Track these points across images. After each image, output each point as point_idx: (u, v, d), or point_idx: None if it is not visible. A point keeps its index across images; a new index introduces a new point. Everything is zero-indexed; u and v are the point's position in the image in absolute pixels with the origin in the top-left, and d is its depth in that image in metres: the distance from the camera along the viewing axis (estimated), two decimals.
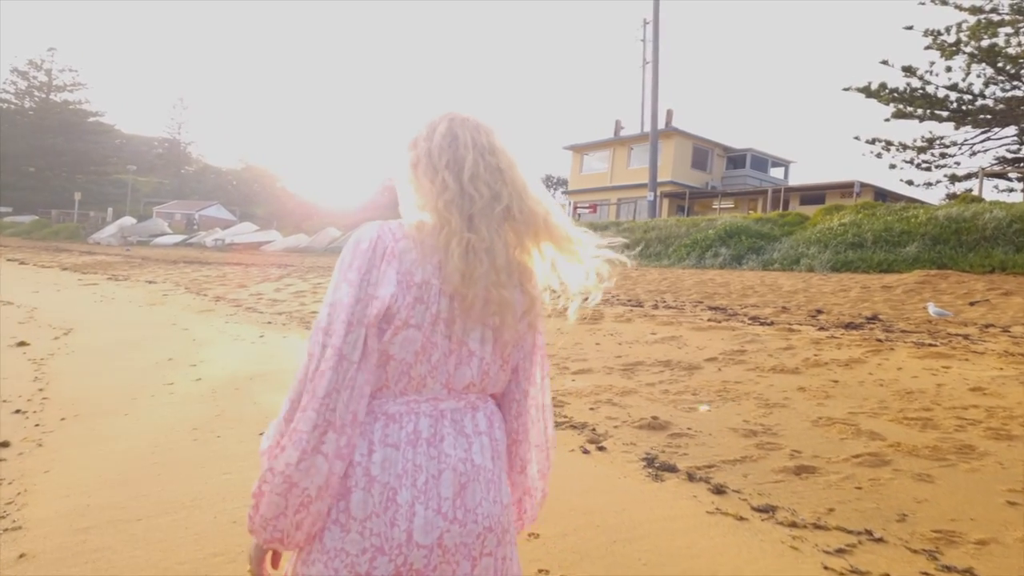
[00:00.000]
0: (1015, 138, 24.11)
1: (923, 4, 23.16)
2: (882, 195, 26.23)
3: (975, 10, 22.82)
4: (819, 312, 8.94)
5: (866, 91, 25.14)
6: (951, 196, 26.70)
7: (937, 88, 24.05)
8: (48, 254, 30.48)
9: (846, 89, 26.51)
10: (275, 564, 1.22)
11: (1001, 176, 24.87)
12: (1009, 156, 24.68)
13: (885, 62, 23.87)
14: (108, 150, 68.54)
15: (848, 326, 7.78)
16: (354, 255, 1.11)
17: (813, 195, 27.81)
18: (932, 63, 23.70)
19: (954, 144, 25.17)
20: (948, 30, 22.70)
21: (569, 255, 1.22)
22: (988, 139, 24.66)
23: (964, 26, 22.46)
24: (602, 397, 5.24)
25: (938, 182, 27.10)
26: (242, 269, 21.57)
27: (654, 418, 4.54)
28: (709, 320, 8.51)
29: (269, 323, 10.22)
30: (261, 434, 4.45)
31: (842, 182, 26.68)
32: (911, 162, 26.06)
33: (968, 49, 22.73)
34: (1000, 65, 22.27)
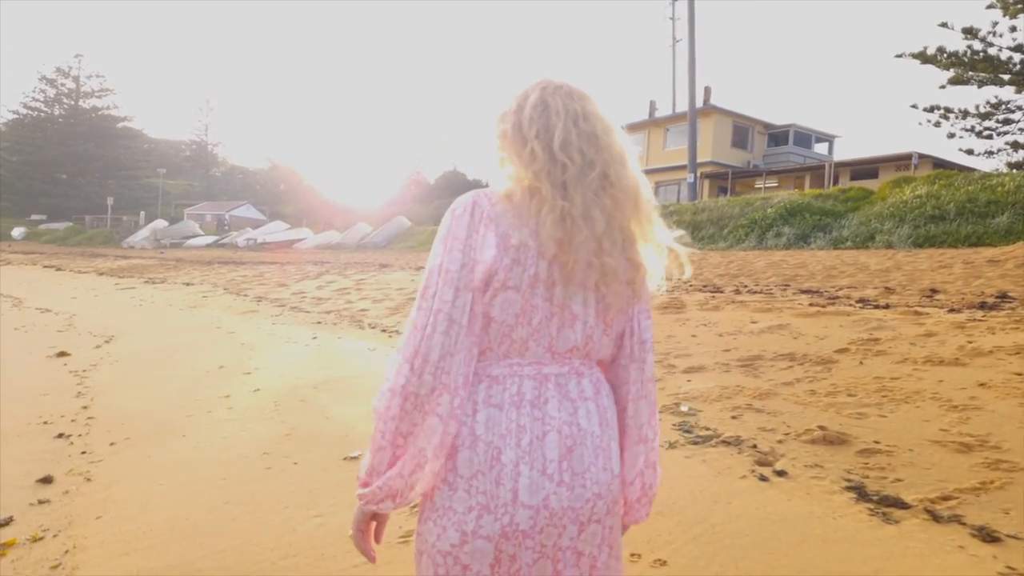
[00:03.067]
0: None
1: None
2: (940, 166, 24.73)
3: None
4: (934, 292, 7.96)
5: (922, 57, 23.70)
6: (1014, 165, 25.18)
7: (1000, 50, 22.54)
8: (84, 259, 30.43)
9: (899, 56, 25.07)
10: (378, 538, 1.18)
11: None
12: None
13: (944, 24, 22.41)
14: (138, 154, 68.82)
15: (982, 307, 6.81)
16: (451, 222, 1.11)
17: (865, 169, 26.40)
18: (995, 23, 22.20)
19: (1019, 109, 23.61)
20: None
21: (649, 233, 1.18)
22: None
23: None
24: (737, 402, 4.40)
25: (1000, 150, 25.46)
26: (279, 268, 21.06)
27: (822, 428, 3.69)
28: (811, 305, 7.59)
29: (319, 323, 9.54)
30: (351, 457, 3.55)
31: (898, 154, 25.23)
32: (972, 130, 24.56)
33: None
34: None
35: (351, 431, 4.32)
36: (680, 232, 1.24)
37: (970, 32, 22.34)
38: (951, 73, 23.21)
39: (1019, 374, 4.44)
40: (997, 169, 23.90)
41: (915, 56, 23.72)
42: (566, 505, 1.09)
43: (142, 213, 54.67)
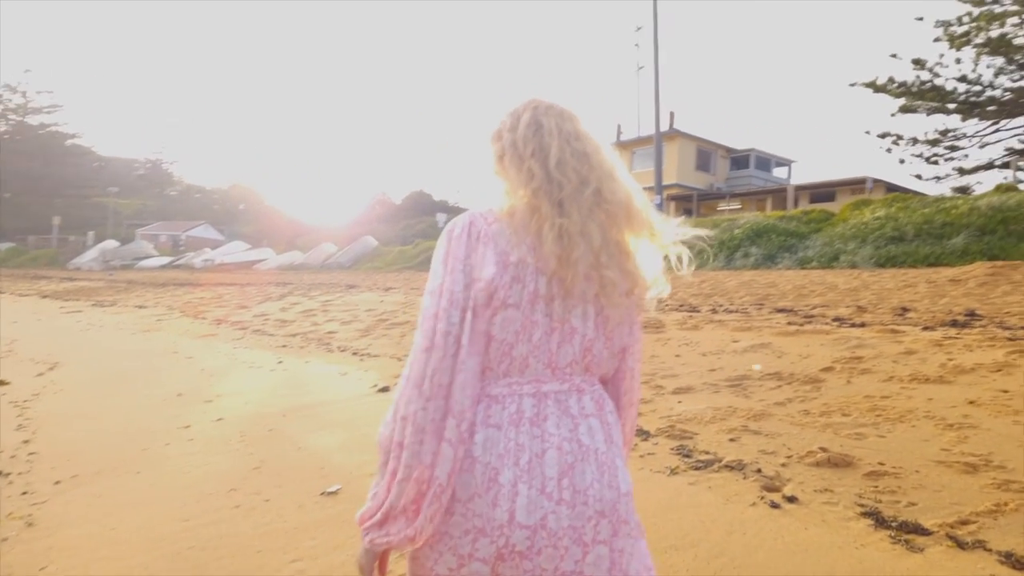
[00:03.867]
0: None
1: None
2: (893, 190, 25.54)
3: (978, 1, 22.35)
4: (905, 310, 8.03)
5: (873, 86, 24.64)
6: (958, 189, 26.15)
7: (947, 80, 23.54)
8: (26, 282, 29.11)
9: (852, 85, 26.08)
10: (382, 570, 1.16)
11: (1008, 167, 24.29)
12: (1020, 147, 24.13)
13: (895, 56, 23.41)
14: (87, 172, 66.71)
15: (954, 324, 6.86)
16: (449, 243, 1.12)
17: (823, 192, 27.12)
18: (942, 55, 23.29)
19: (964, 136, 24.62)
20: (959, 20, 22.20)
21: (650, 238, 1.19)
22: (998, 130, 24.13)
23: (973, 15, 21.97)
24: (733, 424, 4.26)
25: (947, 175, 26.48)
26: (238, 289, 20.43)
27: (823, 450, 3.56)
28: (789, 323, 7.57)
29: (284, 346, 9.15)
30: (329, 492, 3.25)
31: (853, 178, 25.99)
32: (921, 156, 25.50)
33: (978, 39, 22.23)
34: (1009, 55, 21.76)
35: (326, 463, 4.03)
36: (679, 220, 1.25)
37: (919, 63, 23.30)
38: (901, 101, 24.11)
39: (1005, 391, 4.41)
40: (942, 194, 24.83)
41: (867, 85, 24.62)
42: (566, 524, 1.05)
43: (90, 233, 52.84)
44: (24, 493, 3.67)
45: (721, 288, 11.98)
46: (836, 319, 7.68)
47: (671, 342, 7.15)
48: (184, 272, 35.30)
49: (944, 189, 27.04)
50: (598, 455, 1.11)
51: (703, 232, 1.25)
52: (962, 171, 25.95)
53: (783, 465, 3.47)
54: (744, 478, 3.32)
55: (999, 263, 10.56)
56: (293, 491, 3.58)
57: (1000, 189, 15.65)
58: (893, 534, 2.60)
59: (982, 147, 24.90)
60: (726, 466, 3.49)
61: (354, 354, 8.27)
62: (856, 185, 25.67)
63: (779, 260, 15.16)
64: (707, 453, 3.73)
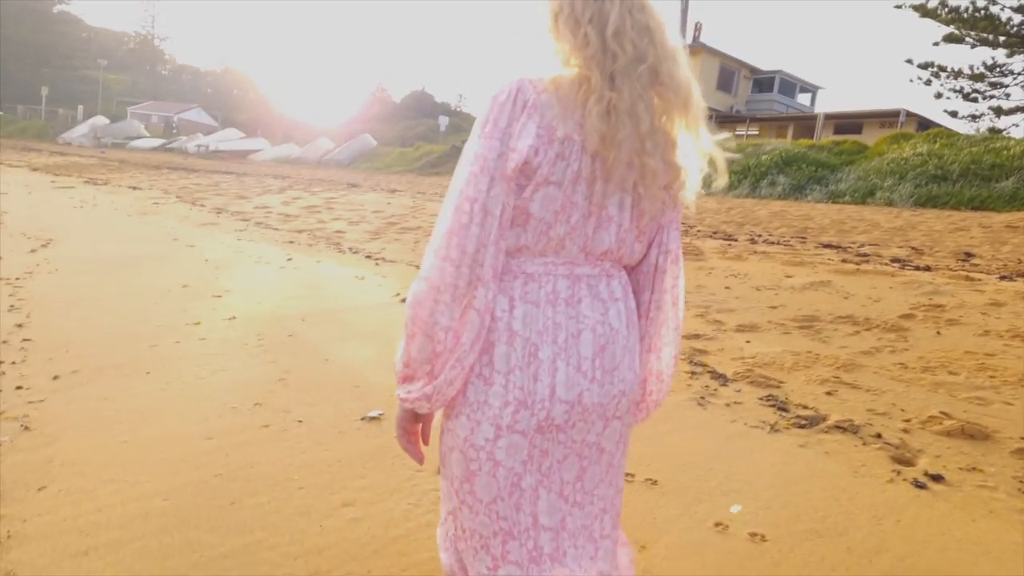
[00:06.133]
0: None
1: None
2: (925, 126, 24.48)
3: None
4: (969, 255, 7.48)
5: (922, 10, 23.05)
6: (992, 130, 25.10)
7: (1002, 8, 21.97)
8: (15, 153, 27.94)
9: (898, 7, 24.35)
10: (425, 439, 1.19)
11: None
12: None
13: None
14: (75, 43, 63.58)
15: None
16: (492, 108, 1.04)
17: (849, 123, 25.96)
18: None
19: (1011, 73, 23.30)
20: None
21: (696, 137, 1.11)
22: None
23: None
24: (821, 373, 3.76)
25: (983, 115, 25.26)
26: (235, 178, 19.55)
27: (945, 414, 3.08)
28: (844, 261, 7.01)
29: (291, 242, 8.53)
30: (367, 417, 2.67)
31: (884, 110, 24.80)
32: (960, 91, 24.22)
33: None
34: None
35: (362, 381, 3.52)
36: (726, 134, 1.16)
37: None
38: (949, 29, 22.61)
39: None
40: (979, 131, 23.77)
41: (915, 8, 23.02)
42: (596, 401, 1.10)
43: (80, 108, 50.81)
44: (19, 388, 3.17)
45: (752, 217, 11.33)
46: (895, 260, 7.12)
47: (715, 272, 6.59)
48: (177, 156, 34.04)
49: (976, 129, 25.95)
50: (623, 339, 1.13)
51: (733, 156, 1.18)
52: (1000, 111, 24.75)
53: (905, 431, 2.98)
54: (863, 444, 2.84)
55: None
56: (328, 412, 3.08)
57: None
58: None
59: None
60: (836, 427, 3.00)
61: (367, 257, 7.69)
62: (888, 118, 24.52)
63: (808, 192, 14.44)
64: (806, 408, 3.24)
